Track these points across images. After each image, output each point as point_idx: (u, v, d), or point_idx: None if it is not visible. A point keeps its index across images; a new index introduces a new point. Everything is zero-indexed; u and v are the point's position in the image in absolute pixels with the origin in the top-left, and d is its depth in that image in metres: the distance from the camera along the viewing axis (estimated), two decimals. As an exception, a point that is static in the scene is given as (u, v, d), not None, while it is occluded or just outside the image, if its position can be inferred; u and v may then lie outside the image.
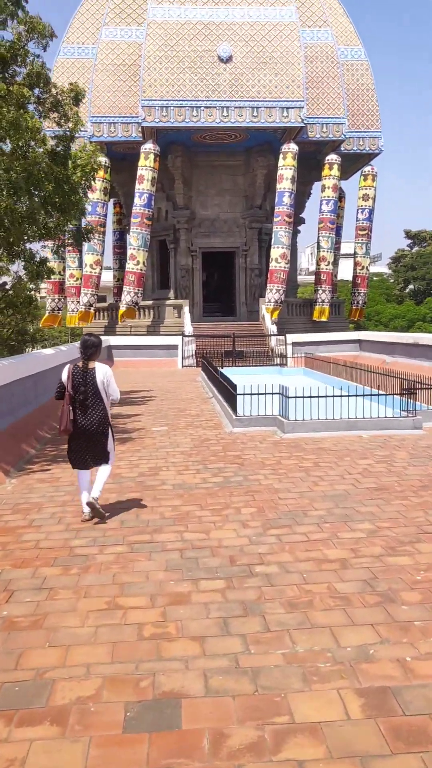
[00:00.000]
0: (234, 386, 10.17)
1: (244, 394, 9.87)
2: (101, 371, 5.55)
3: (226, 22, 25.70)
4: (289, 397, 9.28)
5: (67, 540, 4.96)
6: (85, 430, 5.48)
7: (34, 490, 6.61)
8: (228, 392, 10.81)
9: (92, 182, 12.31)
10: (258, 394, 9.77)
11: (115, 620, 3.50)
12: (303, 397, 9.26)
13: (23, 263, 12.25)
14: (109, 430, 5.67)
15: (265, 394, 9.77)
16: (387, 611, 3.52)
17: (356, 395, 9.46)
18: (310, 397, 9.28)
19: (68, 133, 10.99)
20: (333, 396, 9.33)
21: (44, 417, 10.73)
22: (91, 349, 5.56)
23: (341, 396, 9.41)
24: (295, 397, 9.27)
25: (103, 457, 5.64)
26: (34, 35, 8.71)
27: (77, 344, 17.64)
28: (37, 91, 9.66)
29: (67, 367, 5.59)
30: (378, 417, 9.34)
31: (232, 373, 20.57)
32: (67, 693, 2.77)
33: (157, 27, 25.42)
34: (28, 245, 12.09)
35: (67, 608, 3.67)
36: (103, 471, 5.63)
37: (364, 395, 9.56)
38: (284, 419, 9.27)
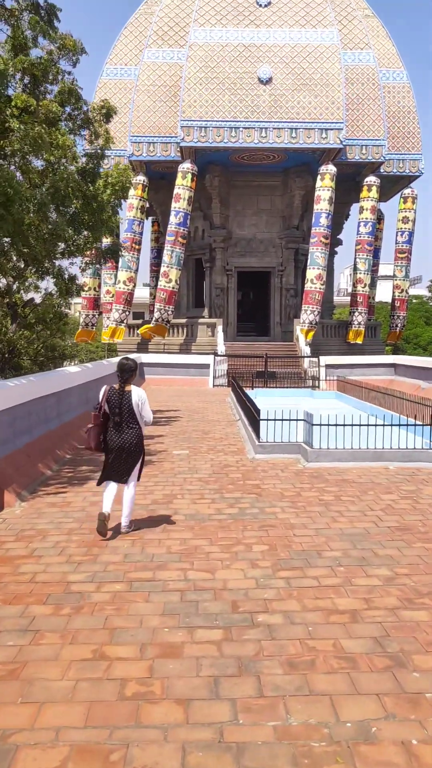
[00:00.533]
0: (258, 411, 9.88)
1: (267, 420, 9.57)
2: (136, 394, 5.81)
3: (267, 44, 25.76)
4: (313, 425, 8.94)
5: (65, 574, 4.73)
6: (120, 448, 5.77)
7: (43, 515, 6.41)
8: (252, 416, 10.52)
9: (122, 201, 12.28)
10: (282, 420, 9.45)
11: (97, 673, 3.23)
12: (328, 425, 8.92)
13: (53, 280, 12.24)
14: (142, 451, 5.95)
15: (289, 420, 9.45)
16: (396, 678, 3.18)
17: (384, 425, 9.06)
18: (335, 425, 8.93)
19: (99, 150, 10.96)
20: (360, 425, 8.96)
21: (66, 435, 10.60)
22: (128, 373, 5.83)
23: (368, 425, 9.03)
24: (320, 425, 8.92)
25: (128, 474, 5.86)
26: (65, 52, 8.71)
27: (106, 361, 17.67)
28: (68, 108, 9.64)
29: (104, 388, 5.88)
30: (406, 448, 8.92)
31: (263, 395, 20.33)
32: (29, 764, 2.51)
33: (198, 49, 25.61)
34: (57, 262, 12.08)
35: (50, 656, 3.42)
36: (128, 496, 5.86)
37: (392, 425, 9.15)
38: (308, 447, 8.93)
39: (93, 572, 4.76)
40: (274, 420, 9.47)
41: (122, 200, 12.38)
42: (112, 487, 5.83)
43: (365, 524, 6.01)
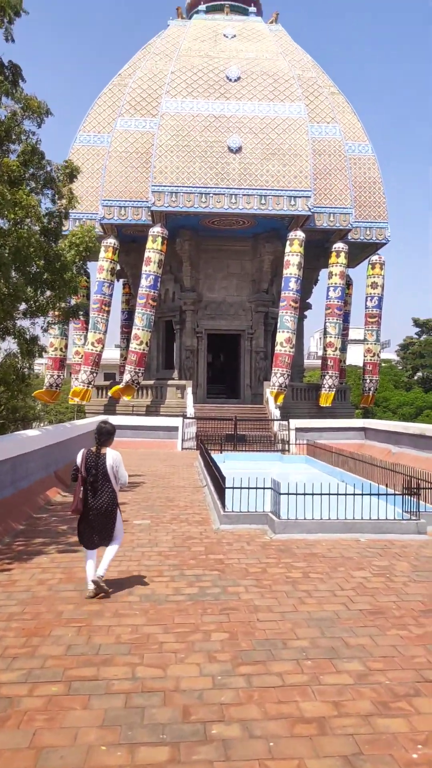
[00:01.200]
0: (223, 478, 9.44)
1: (233, 488, 9.12)
2: (110, 456, 5.98)
3: (237, 115, 26.60)
4: (281, 494, 8.52)
5: (-5, 672, 4.15)
6: (95, 510, 5.87)
7: (-17, 597, 5.81)
8: (218, 483, 10.06)
9: (86, 261, 12.08)
10: (248, 488, 9.01)
11: None
12: (296, 494, 8.50)
13: (14, 340, 11.85)
14: (118, 511, 6.04)
15: (255, 488, 9.01)
16: None
17: (354, 494, 8.67)
18: (304, 494, 8.51)
19: (62, 210, 10.81)
20: (329, 494, 8.56)
21: (21, 503, 10.00)
22: (105, 436, 6.06)
23: (338, 494, 8.63)
24: (288, 494, 8.50)
25: (110, 537, 5.99)
26: (29, 112, 8.62)
27: (69, 424, 17.15)
28: (32, 168, 9.50)
29: (82, 451, 6.05)
30: (378, 519, 8.53)
31: (232, 459, 19.89)
32: None
33: (170, 119, 26.31)
34: (19, 322, 11.74)
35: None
36: (110, 550, 5.99)
37: (363, 494, 8.77)
38: (275, 518, 8.47)
39: (28, 670, 4.19)
40: (240, 488, 9.03)
41: (86, 260, 12.20)
42: (91, 561, 5.89)
43: (335, 606, 5.54)
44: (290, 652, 4.50)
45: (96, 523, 5.88)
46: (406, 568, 6.89)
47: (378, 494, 8.87)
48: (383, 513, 8.71)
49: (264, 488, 9.00)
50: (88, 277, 32.11)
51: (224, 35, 29.24)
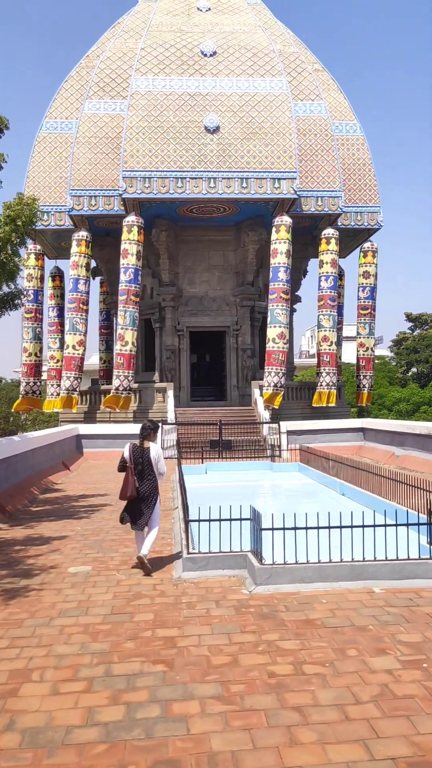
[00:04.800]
0: (186, 507, 7.14)
1: (199, 521, 6.82)
2: (154, 449, 6.91)
3: (213, 93, 24.33)
4: (262, 529, 6.24)
5: None
6: (141, 496, 6.76)
7: None
8: (186, 511, 7.76)
9: (23, 239, 9.78)
10: (219, 520, 6.71)
11: None
12: (284, 529, 6.23)
13: None
14: (157, 498, 6.91)
15: (229, 520, 6.70)
16: None
17: (363, 526, 6.38)
18: (294, 528, 6.23)
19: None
20: (329, 527, 6.25)
21: None
22: (147, 431, 6.96)
23: (341, 527, 6.33)
24: (272, 529, 6.22)
25: (148, 521, 6.83)
26: None
27: (19, 436, 14.82)
28: None
29: (128, 445, 6.93)
30: (396, 558, 6.25)
31: (215, 469, 17.53)
32: None
33: (141, 98, 24.02)
34: None
35: None
36: (151, 535, 6.82)
37: (374, 525, 6.46)
38: (256, 562, 6.18)
39: None
40: (209, 521, 6.73)
41: (24, 238, 9.89)
42: (140, 534, 6.94)
43: (349, 752, 3.25)
44: None
45: (140, 507, 6.80)
46: (448, 645, 4.61)
47: (394, 525, 6.53)
48: (401, 543, 6.43)
49: (241, 520, 6.69)
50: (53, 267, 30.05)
51: (198, 9, 26.97)
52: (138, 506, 6.78)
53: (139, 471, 6.77)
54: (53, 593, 6.06)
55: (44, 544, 8.13)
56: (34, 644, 4.81)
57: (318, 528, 6.23)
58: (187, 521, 6.93)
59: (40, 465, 14.71)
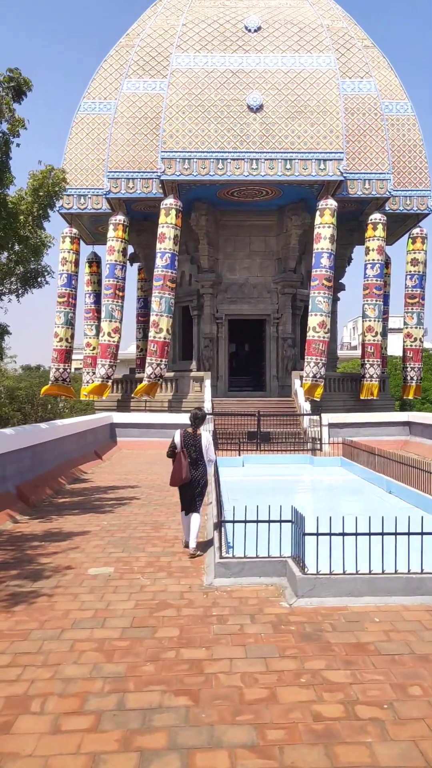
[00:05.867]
0: (220, 505, 6.41)
1: (234, 522, 6.08)
2: (205, 437, 7.18)
3: (257, 70, 23.37)
4: (306, 534, 5.47)
5: None
6: (194, 481, 7.02)
7: None
8: (219, 508, 7.04)
9: (46, 212, 9.15)
10: (256, 521, 5.96)
11: None
12: (330, 534, 5.44)
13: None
14: (207, 483, 7.26)
15: (268, 522, 5.95)
16: None
17: (423, 533, 5.54)
18: (342, 534, 5.44)
19: (4, 135, 7.89)
20: (381, 534, 5.45)
21: None
22: (199, 420, 7.24)
23: (396, 533, 5.51)
24: (317, 535, 5.44)
25: (197, 504, 7.04)
26: None
27: (47, 424, 14.28)
28: None
29: (179, 431, 7.16)
30: (461, 572, 5.40)
31: (253, 462, 16.76)
32: None
33: (181, 75, 23.22)
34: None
35: None
36: (194, 522, 6.95)
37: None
38: (298, 571, 5.42)
39: None
40: (244, 522, 5.99)
41: (48, 210, 9.26)
42: (186, 520, 7.08)
43: None
44: None
45: (192, 491, 6.98)
46: None
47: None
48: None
49: (281, 522, 5.93)
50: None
51: (242, -17, 26.00)
52: (191, 492, 6.97)
53: (193, 459, 6.96)
54: (68, 599, 5.41)
55: (64, 540, 7.50)
56: (39, 663, 4.15)
57: (369, 534, 5.42)
58: (220, 522, 6.19)
59: (70, 453, 14.18)
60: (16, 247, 8.85)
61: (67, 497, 10.84)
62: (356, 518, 5.56)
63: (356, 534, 5.41)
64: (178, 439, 7.01)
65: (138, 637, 4.58)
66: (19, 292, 9.52)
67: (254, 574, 5.83)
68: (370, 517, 5.61)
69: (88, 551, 7.04)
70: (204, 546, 7.15)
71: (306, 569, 5.44)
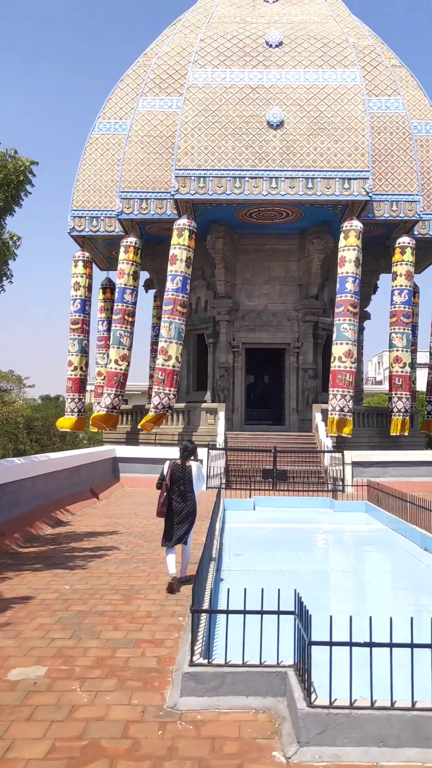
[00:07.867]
0: (201, 580, 4.57)
1: (211, 612, 4.25)
2: (195, 468, 7.18)
3: (278, 85, 22.09)
4: (312, 643, 3.62)
5: None
6: (183, 513, 6.95)
7: None
8: (196, 589, 5.20)
9: (8, 203, 7.60)
10: (243, 612, 4.13)
11: None
12: (350, 644, 3.59)
13: None
14: (195, 516, 7.13)
15: (260, 613, 4.11)
16: None
17: None
18: (370, 645, 3.58)
19: None
20: (412, 646, 3.58)
21: None
22: (187, 452, 7.22)
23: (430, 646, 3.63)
24: (330, 644, 3.60)
25: (184, 537, 6.99)
26: None
27: (55, 455, 12.71)
28: None
29: (168, 462, 7.17)
30: None
31: (264, 505, 14.78)
32: None
33: (198, 91, 22.04)
34: None
35: None
36: (186, 554, 7.20)
37: None
38: (301, 697, 3.56)
39: None
40: (227, 612, 4.15)
41: (12, 202, 7.71)
42: (171, 555, 6.95)
43: None
44: None
45: (179, 525, 6.93)
46: None
47: None
48: None
49: (278, 614, 4.09)
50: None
51: (264, 0, 25.00)
52: (178, 524, 6.91)
53: (181, 491, 6.95)
54: None
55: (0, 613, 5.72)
56: None
57: (412, 647, 3.55)
58: (193, 611, 4.35)
59: (56, 492, 12.45)
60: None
61: (36, 546, 9.07)
62: (390, 619, 3.69)
63: (391, 645, 3.55)
64: (166, 470, 7.02)
65: None
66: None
67: (239, 692, 3.98)
68: (412, 618, 3.74)
69: (25, 635, 5.24)
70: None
71: (313, 696, 3.58)
